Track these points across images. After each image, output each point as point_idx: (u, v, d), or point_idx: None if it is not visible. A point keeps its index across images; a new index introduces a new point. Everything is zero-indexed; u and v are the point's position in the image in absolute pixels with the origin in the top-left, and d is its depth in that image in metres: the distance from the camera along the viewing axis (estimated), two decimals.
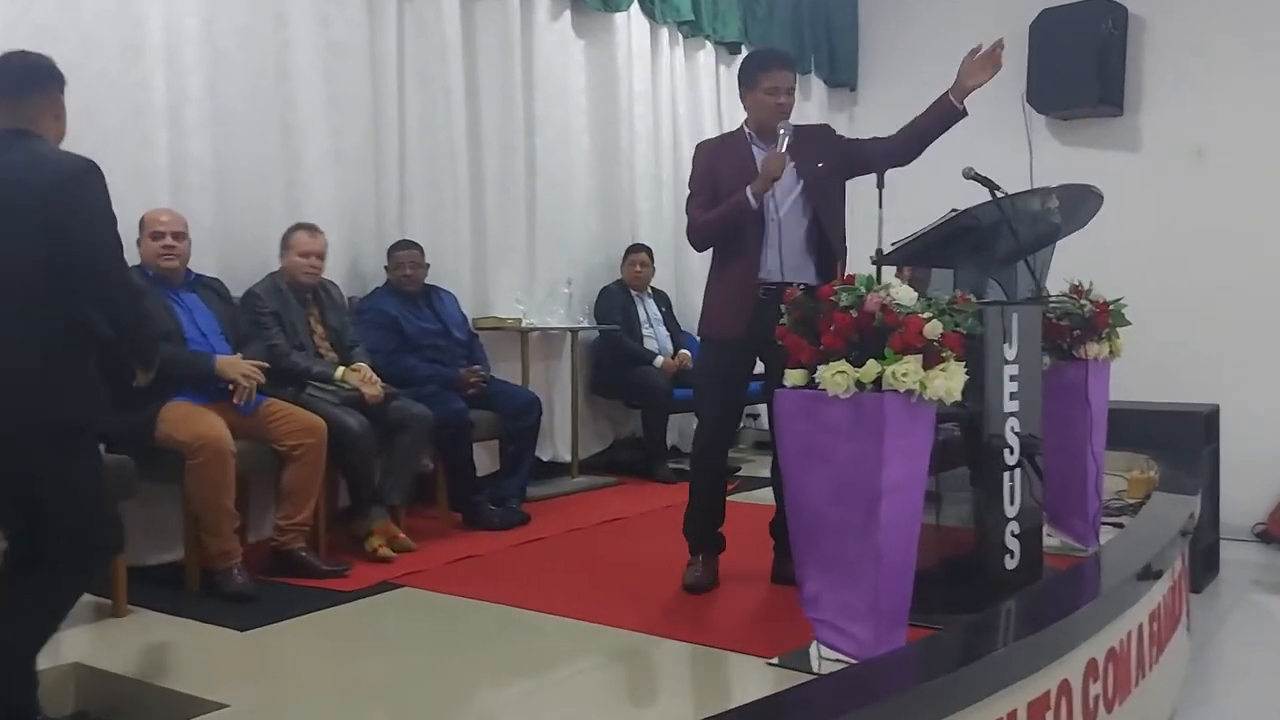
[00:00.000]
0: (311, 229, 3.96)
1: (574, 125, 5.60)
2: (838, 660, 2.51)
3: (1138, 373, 6.39)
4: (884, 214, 3.18)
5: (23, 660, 2.27)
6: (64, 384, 2.27)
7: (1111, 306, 3.57)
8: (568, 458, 5.34)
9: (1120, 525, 3.97)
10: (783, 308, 2.58)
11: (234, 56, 4.04)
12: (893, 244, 2.99)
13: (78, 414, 2.31)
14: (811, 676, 2.42)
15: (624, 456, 5.67)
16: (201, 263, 3.90)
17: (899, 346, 2.40)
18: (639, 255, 5.63)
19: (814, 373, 2.45)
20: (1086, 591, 2.84)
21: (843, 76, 7.76)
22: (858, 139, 3.52)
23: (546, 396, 5.38)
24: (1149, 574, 3.20)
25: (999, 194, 3.31)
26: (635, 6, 5.84)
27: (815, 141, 3.33)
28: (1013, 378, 3.05)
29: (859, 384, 2.40)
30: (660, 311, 5.73)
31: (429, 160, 4.81)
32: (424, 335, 4.36)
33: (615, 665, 2.69)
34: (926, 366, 2.41)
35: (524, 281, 5.27)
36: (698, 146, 3.46)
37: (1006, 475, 3.03)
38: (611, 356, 5.51)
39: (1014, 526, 3.06)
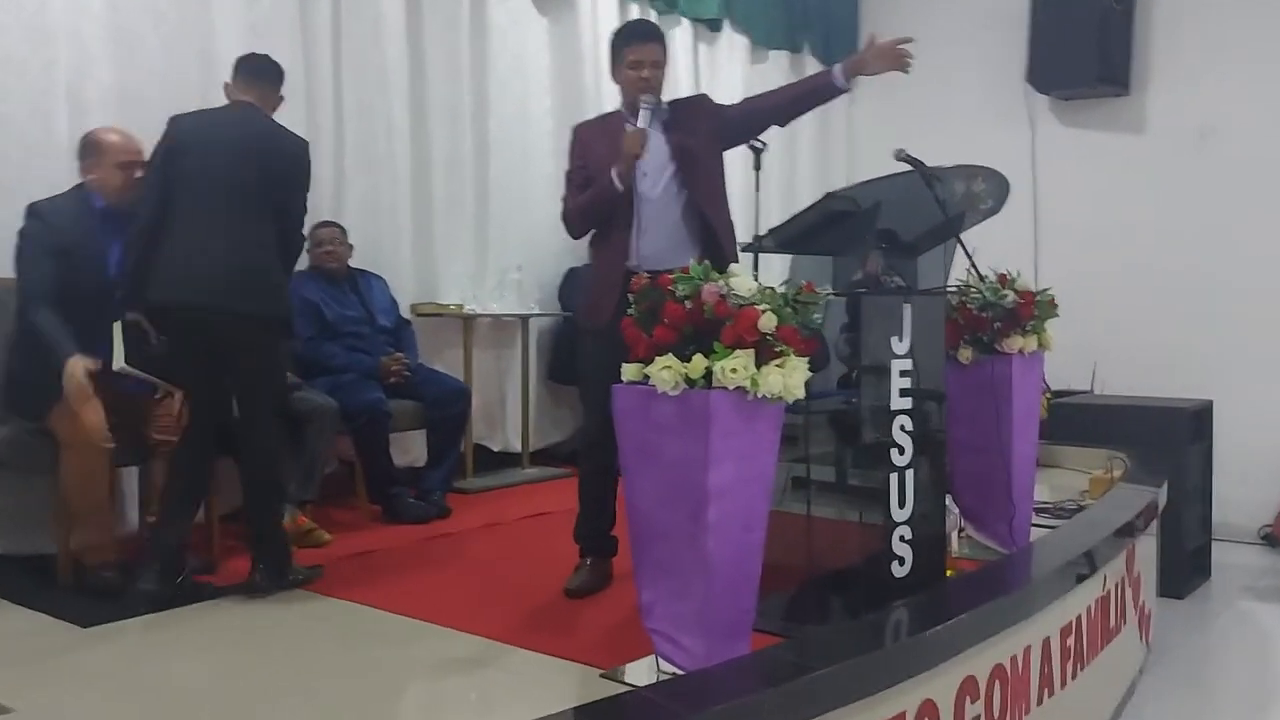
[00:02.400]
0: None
1: (536, 106, 5.45)
2: (674, 673, 2.34)
3: (1136, 367, 6.14)
4: (760, 197, 3.00)
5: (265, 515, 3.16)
6: (283, 285, 3.22)
7: (1038, 297, 3.33)
8: (519, 448, 5.21)
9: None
10: (630, 297, 2.41)
11: (147, 39, 3.94)
12: (768, 230, 2.80)
13: (289, 310, 3.25)
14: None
15: None
16: None
17: (730, 340, 2.22)
18: None
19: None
20: (969, 600, 2.63)
21: (839, 57, 7.45)
22: (734, 104, 3.32)
23: (498, 385, 5.27)
24: (1070, 576, 3.01)
25: (932, 177, 3.07)
26: None
27: (691, 114, 3.15)
28: (904, 373, 2.85)
29: (688, 380, 2.23)
30: None
31: (367, 142, 4.70)
32: (345, 322, 4.26)
33: (435, 674, 2.55)
34: (761, 362, 2.23)
35: (474, 267, 5.15)
36: (574, 128, 3.30)
37: (894, 477, 2.83)
38: (573, 341, 5.36)
39: (904, 531, 2.86)
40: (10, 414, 3.27)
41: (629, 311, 2.39)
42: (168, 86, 3.98)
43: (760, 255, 2.96)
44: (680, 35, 6.27)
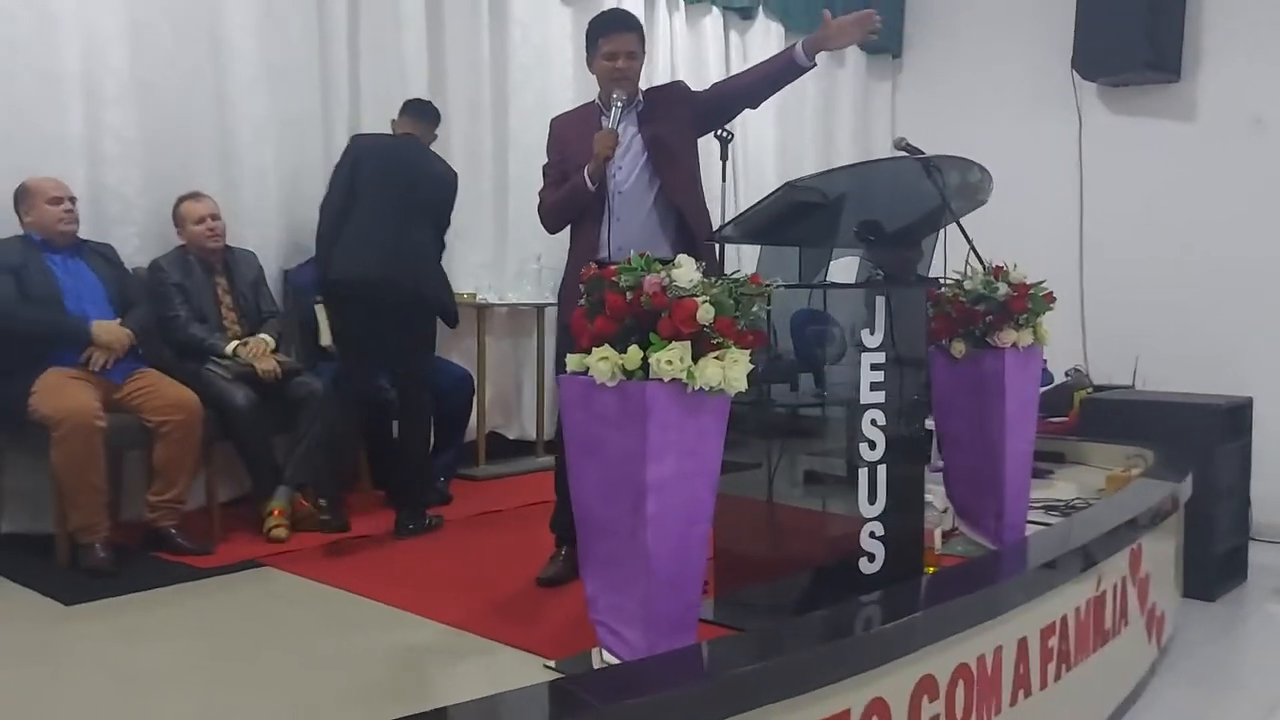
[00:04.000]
0: (195, 195, 3.93)
1: (557, 98, 5.42)
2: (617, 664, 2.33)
3: (1181, 361, 5.95)
4: (726, 188, 2.95)
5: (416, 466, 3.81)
6: (441, 276, 3.94)
7: (1031, 290, 3.23)
8: (534, 436, 5.24)
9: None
10: (581, 287, 2.40)
11: (159, 27, 4.03)
12: (731, 220, 2.76)
13: (450, 296, 3.99)
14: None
15: None
16: (123, 233, 3.96)
17: (667, 332, 2.19)
18: None
19: None
20: (929, 598, 2.58)
21: (883, 42, 7.35)
22: (705, 89, 3.27)
23: (514, 374, 5.30)
24: (1053, 575, 2.93)
25: (933, 168, 3.00)
26: None
27: (666, 103, 3.12)
28: (876, 366, 2.80)
29: (626, 371, 2.21)
30: None
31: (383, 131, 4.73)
32: None
33: (381, 660, 2.56)
34: (700, 354, 2.21)
35: (493, 257, 5.18)
36: (551, 121, 3.29)
37: (864, 472, 2.78)
38: None
39: (875, 527, 2.81)
40: None
41: (580, 303, 2.38)
42: (180, 75, 4.09)
43: (741, 246, 2.93)
44: (711, 24, 6.22)
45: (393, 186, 3.74)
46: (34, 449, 3.29)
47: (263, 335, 3.87)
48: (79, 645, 2.68)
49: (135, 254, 3.95)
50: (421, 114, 4.08)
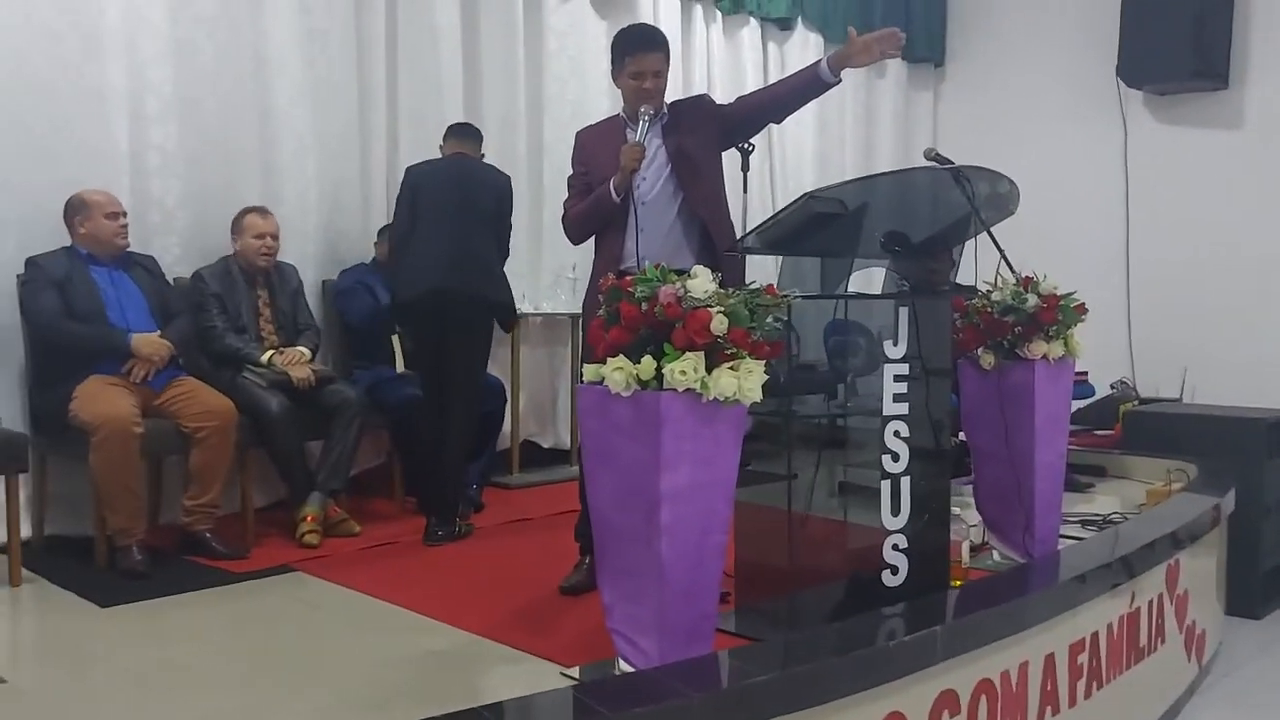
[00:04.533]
0: (262, 211, 4.03)
1: (592, 108, 5.47)
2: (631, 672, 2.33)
3: (1231, 373, 5.83)
4: (748, 199, 2.95)
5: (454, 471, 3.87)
6: (503, 278, 4.08)
7: (1062, 301, 3.19)
8: (569, 444, 5.27)
9: None
10: (600, 298, 2.42)
11: (201, 45, 4.12)
12: (751, 230, 2.76)
13: (511, 298, 4.12)
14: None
15: None
16: (164, 243, 4.06)
17: (681, 342, 2.20)
18: None
19: None
20: (950, 612, 2.56)
21: (925, 52, 7.33)
22: (730, 103, 3.28)
23: (549, 383, 5.34)
24: (1083, 591, 2.89)
25: (963, 178, 2.98)
26: None
27: (691, 116, 3.13)
28: (899, 378, 2.78)
29: (640, 381, 2.22)
30: None
31: (419, 144, 4.80)
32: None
33: (398, 664, 2.59)
34: (713, 364, 2.21)
35: (528, 267, 5.22)
36: (577, 134, 3.31)
37: (886, 484, 2.77)
38: None
39: (898, 540, 2.79)
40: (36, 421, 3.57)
41: (599, 313, 2.39)
42: (222, 92, 4.18)
43: (764, 257, 2.93)
44: (748, 35, 6.24)
45: (451, 203, 3.93)
46: (74, 454, 3.37)
47: (300, 347, 3.95)
48: (112, 645, 2.74)
49: (176, 264, 4.05)
50: (465, 134, 4.26)
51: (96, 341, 3.44)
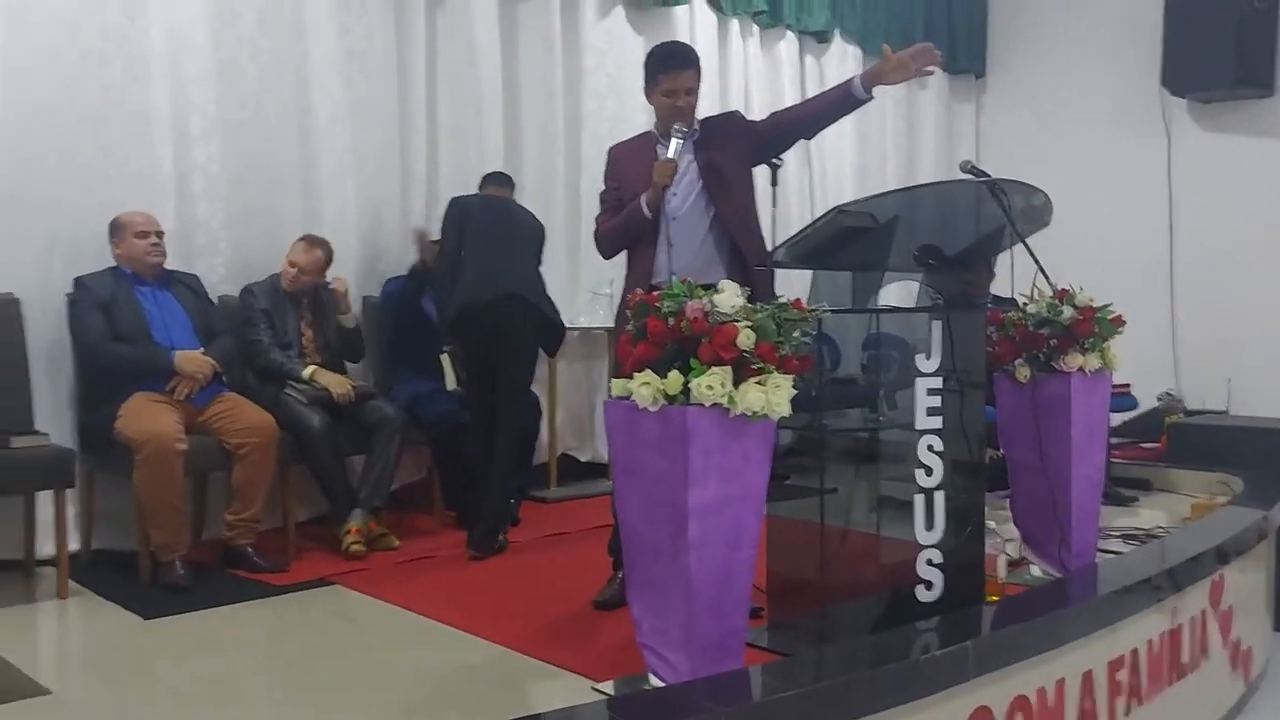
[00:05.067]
0: (311, 242, 4.08)
1: (630, 124, 5.48)
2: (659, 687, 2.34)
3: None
4: (777, 213, 2.95)
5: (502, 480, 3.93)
6: (549, 300, 4.19)
7: (1098, 313, 3.15)
8: (606, 458, 5.28)
9: None
10: (627, 312, 2.43)
11: (243, 67, 4.21)
12: (781, 244, 2.76)
13: (559, 317, 4.23)
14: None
15: None
16: (210, 264, 4.14)
17: (708, 357, 2.21)
18: None
19: None
20: (984, 627, 2.54)
21: (965, 63, 7.28)
22: (763, 120, 3.29)
23: (586, 397, 5.36)
24: (1122, 606, 2.85)
25: (999, 190, 2.96)
26: None
27: (722, 133, 3.14)
28: (932, 391, 2.77)
29: (667, 396, 2.23)
30: None
31: (459, 162, 4.88)
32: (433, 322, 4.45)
33: (431, 677, 2.62)
34: (741, 379, 2.22)
35: (565, 281, 5.25)
36: (610, 149, 3.34)
37: (920, 499, 2.75)
38: None
39: (932, 555, 2.78)
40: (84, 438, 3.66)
41: (627, 328, 2.41)
42: (264, 115, 4.26)
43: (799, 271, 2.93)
44: (785, 48, 6.24)
45: (498, 226, 4.10)
46: (120, 470, 3.44)
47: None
48: (154, 658, 2.80)
49: (220, 283, 4.13)
50: (502, 182, 4.52)
51: (141, 361, 3.52)
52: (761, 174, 3.16)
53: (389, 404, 4.01)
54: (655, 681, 2.36)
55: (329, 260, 4.13)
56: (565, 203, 5.23)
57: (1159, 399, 6.01)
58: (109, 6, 3.87)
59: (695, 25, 5.70)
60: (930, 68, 3.08)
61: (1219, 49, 6.03)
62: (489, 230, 4.07)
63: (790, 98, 6.20)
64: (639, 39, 5.56)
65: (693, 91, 3.10)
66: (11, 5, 3.64)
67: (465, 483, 4.25)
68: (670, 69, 3.10)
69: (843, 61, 6.56)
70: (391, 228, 4.72)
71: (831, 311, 2.39)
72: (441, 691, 2.54)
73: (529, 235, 4.23)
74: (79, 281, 3.61)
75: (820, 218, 2.62)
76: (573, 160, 5.28)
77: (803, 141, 3.57)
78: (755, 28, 6.07)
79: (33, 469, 3.21)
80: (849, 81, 3.12)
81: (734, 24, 5.94)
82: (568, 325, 5.04)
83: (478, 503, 3.96)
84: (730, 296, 2.25)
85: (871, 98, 3.10)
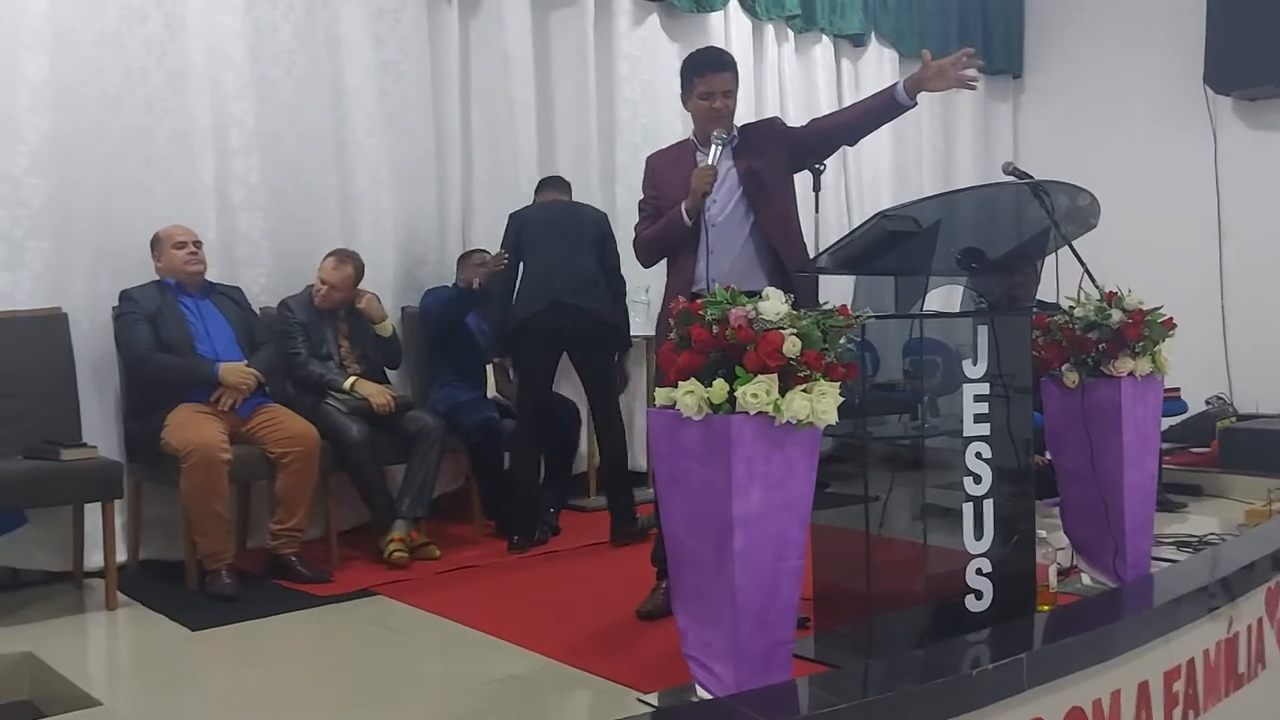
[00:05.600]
0: (340, 258, 4.09)
1: (665, 130, 5.48)
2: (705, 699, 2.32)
3: None
4: (820, 218, 2.92)
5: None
6: (617, 302, 4.32)
7: (1148, 316, 3.09)
8: (645, 466, 5.26)
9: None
10: (670, 320, 2.42)
11: (280, 80, 4.24)
12: (824, 250, 2.73)
13: (626, 322, 4.40)
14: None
15: None
16: (251, 275, 4.17)
17: (754, 365, 2.19)
18: None
19: None
20: (1037, 637, 2.49)
21: (1002, 63, 7.21)
22: (803, 126, 3.26)
23: (626, 405, 5.32)
24: (1178, 615, 2.78)
25: (1042, 192, 2.92)
26: (734, 4, 5.69)
27: (761, 139, 3.12)
28: (979, 397, 2.73)
29: (711, 405, 2.21)
30: None
31: (493, 171, 4.89)
32: (480, 333, 4.45)
33: (477, 688, 2.60)
34: (787, 387, 2.19)
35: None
36: (648, 158, 3.33)
37: (969, 507, 2.71)
38: None
39: (982, 564, 2.73)
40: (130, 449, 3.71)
41: (670, 336, 2.39)
42: (301, 127, 4.29)
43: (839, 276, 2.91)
44: (820, 53, 6.20)
45: (556, 233, 4.15)
46: (166, 480, 3.48)
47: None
48: (203, 668, 2.81)
49: (262, 294, 4.16)
50: (559, 184, 4.56)
51: (186, 373, 3.56)
52: (803, 179, 3.14)
53: (428, 414, 4.01)
54: (701, 693, 2.34)
55: (359, 275, 4.12)
56: (602, 209, 5.20)
57: (1208, 403, 5.89)
58: (150, 23, 3.92)
59: (730, 31, 5.68)
60: (973, 77, 3.05)
61: (1264, 46, 5.93)
62: (544, 237, 4.14)
63: (826, 102, 6.17)
64: (673, 46, 5.55)
65: (730, 94, 3.08)
66: (58, 25, 3.69)
67: (503, 492, 4.25)
68: (706, 71, 3.09)
69: (879, 64, 6.51)
70: (428, 237, 4.73)
71: (878, 317, 2.35)
72: (487, 702, 2.53)
73: (588, 232, 4.22)
74: (125, 294, 3.66)
75: (864, 223, 2.60)
76: (607, 169, 5.27)
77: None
78: (790, 32, 6.03)
79: (82, 481, 3.24)
80: (891, 88, 3.09)
81: (769, 29, 5.92)
82: None
83: (515, 511, 3.99)
84: (775, 304, 2.23)
85: (915, 104, 3.07)
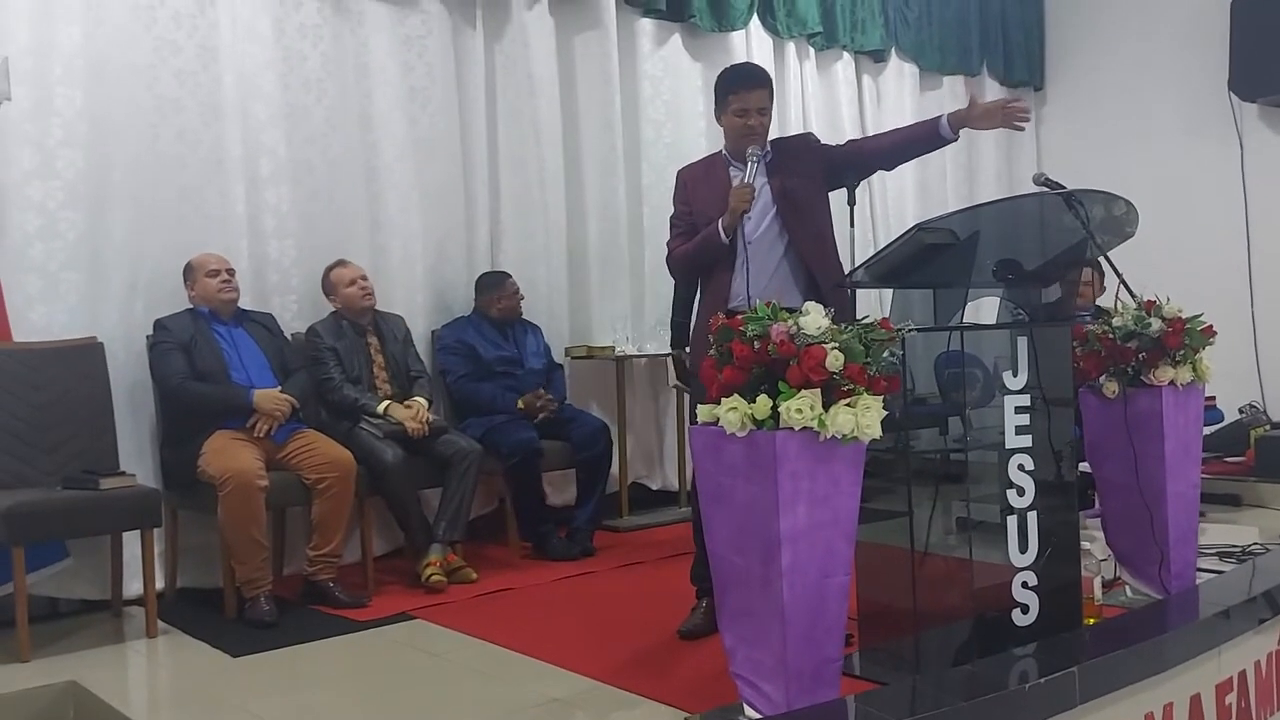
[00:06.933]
0: (342, 262, 4.13)
1: (691, 149, 5.49)
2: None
3: None
4: (854, 233, 2.92)
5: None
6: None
7: (1188, 324, 3.07)
8: (677, 486, 5.25)
9: None
10: (710, 338, 2.41)
11: (310, 109, 4.29)
12: (861, 264, 2.72)
13: None
14: None
15: None
16: (283, 302, 4.20)
17: (797, 380, 2.18)
18: None
19: None
20: (1087, 652, 2.46)
21: (1023, 75, 7.19)
22: (840, 145, 3.26)
23: (655, 424, 5.34)
24: (1228, 627, 2.75)
25: (1076, 202, 2.90)
26: (755, 23, 5.71)
27: (795, 156, 3.12)
28: (1020, 409, 2.70)
29: (755, 421, 2.20)
30: None
31: (521, 193, 4.90)
32: (499, 362, 4.42)
33: (522, 711, 2.59)
34: (830, 401, 2.18)
35: (630, 310, 5.24)
36: (678, 173, 3.32)
37: (1013, 520, 2.68)
38: None
39: (1027, 577, 2.70)
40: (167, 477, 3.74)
41: (709, 353, 2.38)
42: (331, 155, 4.33)
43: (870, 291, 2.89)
44: (842, 69, 6.20)
45: None
46: (204, 508, 3.49)
47: (419, 398, 4.03)
48: (244, 694, 2.80)
49: (294, 320, 4.19)
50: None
51: (221, 400, 3.58)
52: (840, 195, 3.13)
53: (463, 437, 4.01)
54: (750, 713, 2.32)
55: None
56: (628, 231, 5.23)
57: (1241, 411, 5.83)
58: (183, 55, 3.97)
59: (752, 49, 5.68)
60: (1022, 120, 3.06)
61: None
62: None
63: (848, 118, 6.17)
64: (696, 65, 5.58)
65: (765, 111, 3.08)
66: (91, 58, 3.74)
67: (542, 515, 4.25)
68: (740, 87, 3.09)
69: (900, 80, 6.51)
70: (457, 261, 4.75)
71: (920, 330, 2.34)
72: None
73: None
74: (159, 323, 3.68)
75: (899, 237, 2.58)
76: (633, 188, 5.28)
77: None
78: (811, 50, 6.04)
79: (122, 510, 3.25)
80: (936, 119, 3.10)
81: (790, 47, 5.93)
82: (635, 353, 5.06)
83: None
84: (816, 318, 2.22)
85: (957, 138, 3.08)
